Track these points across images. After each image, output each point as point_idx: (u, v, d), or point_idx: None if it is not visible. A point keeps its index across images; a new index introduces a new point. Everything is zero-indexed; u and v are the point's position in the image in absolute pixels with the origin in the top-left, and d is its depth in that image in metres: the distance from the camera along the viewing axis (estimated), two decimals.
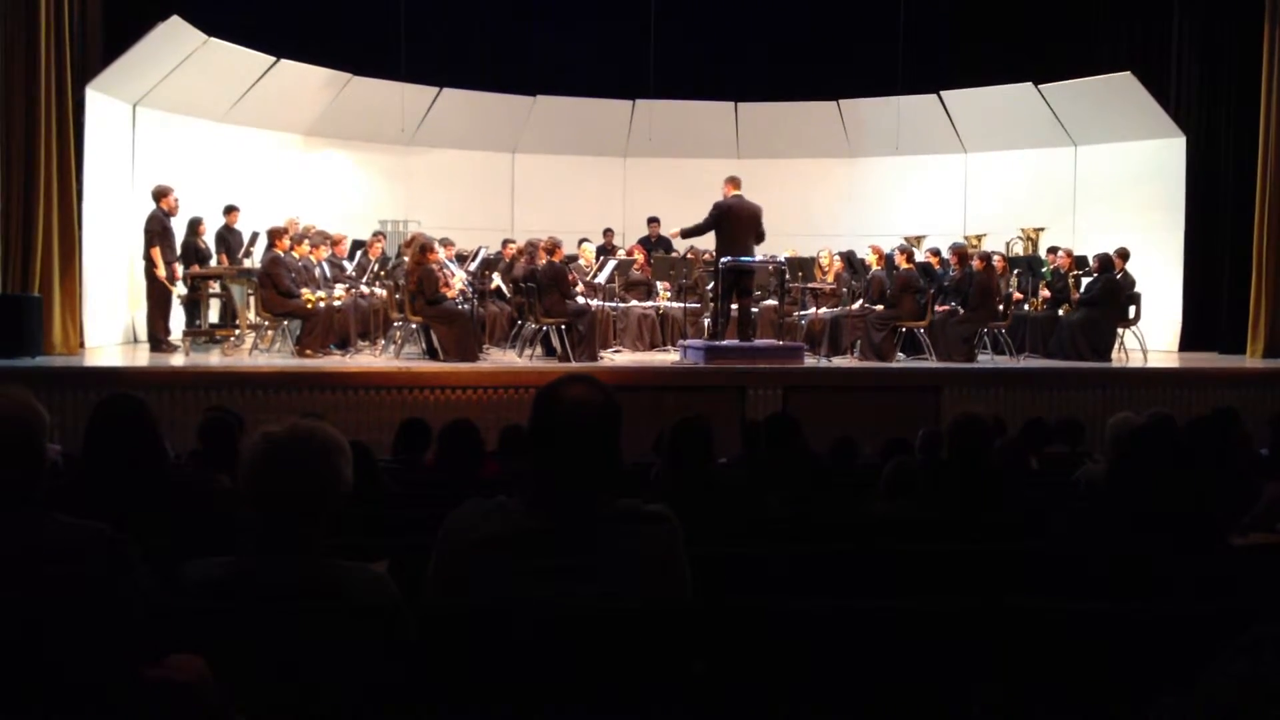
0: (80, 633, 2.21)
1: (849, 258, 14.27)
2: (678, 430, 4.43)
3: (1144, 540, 3.32)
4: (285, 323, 11.70)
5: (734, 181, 11.40)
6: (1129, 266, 13.17)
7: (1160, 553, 3.23)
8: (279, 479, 2.38)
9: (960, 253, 13.01)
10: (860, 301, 13.10)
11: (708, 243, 12.29)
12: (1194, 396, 10.92)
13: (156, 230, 11.50)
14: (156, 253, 11.48)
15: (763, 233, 11.39)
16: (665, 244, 15.46)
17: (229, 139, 14.62)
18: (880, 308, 12.51)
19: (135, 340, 12.90)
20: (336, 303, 12.04)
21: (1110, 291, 12.71)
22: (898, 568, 3.46)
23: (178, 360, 10.95)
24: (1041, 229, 15.38)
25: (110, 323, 12.65)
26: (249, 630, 2.29)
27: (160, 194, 11.65)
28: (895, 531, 4.14)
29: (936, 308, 12.51)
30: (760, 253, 12.09)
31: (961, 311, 12.43)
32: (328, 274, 12.70)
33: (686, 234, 11.83)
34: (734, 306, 11.48)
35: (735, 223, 11.18)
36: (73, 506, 2.73)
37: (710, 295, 12.55)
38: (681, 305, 13.31)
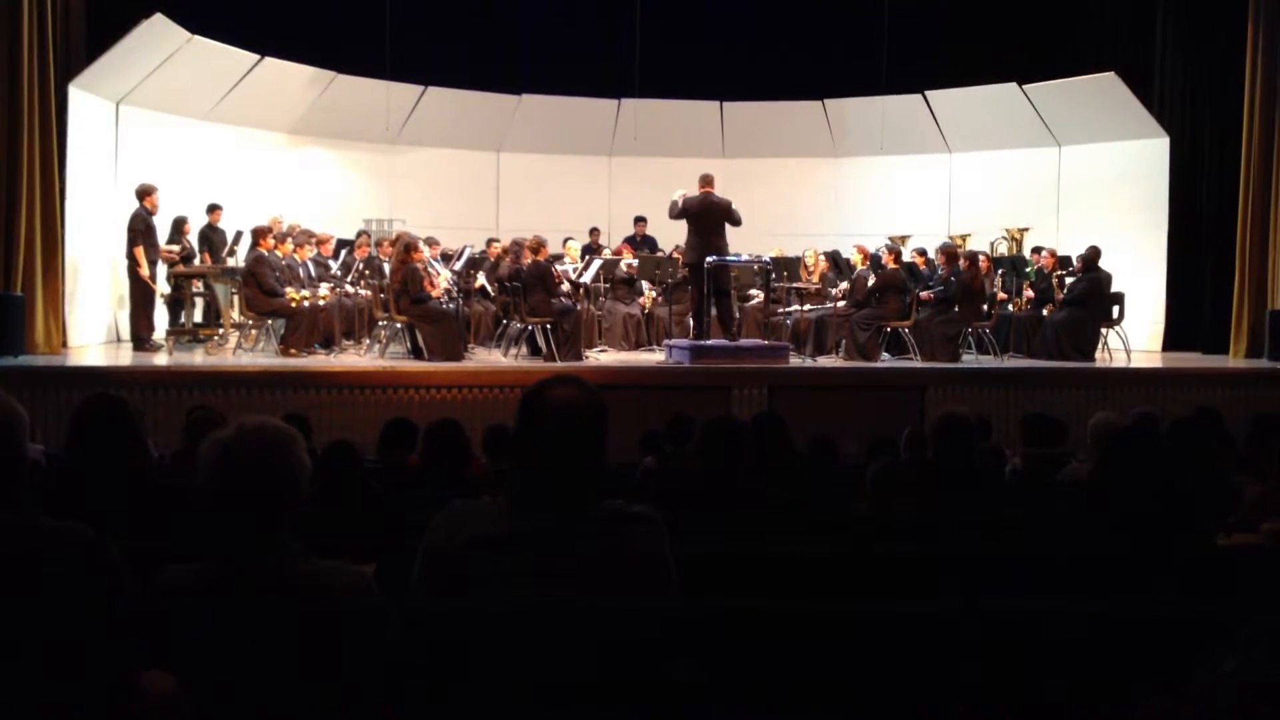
0: (62, 635, 2.19)
1: (834, 257, 14.29)
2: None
3: (1128, 540, 3.32)
4: (269, 322, 11.67)
5: (703, 180, 11.40)
6: (1104, 264, 13.17)
7: (1145, 552, 3.23)
8: (238, 479, 2.37)
9: (949, 253, 13.04)
10: (842, 302, 13.10)
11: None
12: (1177, 396, 10.95)
13: (140, 229, 11.45)
14: (140, 251, 11.43)
15: (737, 218, 11.33)
16: (651, 243, 15.46)
17: (213, 137, 14.56)
18: (865, 310, 12.51)
19: (118, 339, 12.84)
20: (321, 302, 12.01)
21: (1094, 291, 12.75)
22: (882, 568, 3.45)
23: (161, 360, 10.91)
24: (1025, 229, 15.42)
25: (93, 322, 12.60)
26: (229, 633, 2.27)
27: (144, 192, 11.60)
28: (879, 531, 4.14)
29: (923, 296, 12.55)
30: (746, 252, 12.08)
31: (954, 308, 12.43)
32: (312, 273, 12.66)
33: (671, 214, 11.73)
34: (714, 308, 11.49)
35: (700, 220, 11.21)
36: (55, 507, 2.71)
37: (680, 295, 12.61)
38: (667, 305, 13.32)
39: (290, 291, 11.51)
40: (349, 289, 12.72)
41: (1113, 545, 3.29)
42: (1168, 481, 3.35)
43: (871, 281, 12.70)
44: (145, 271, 11.53)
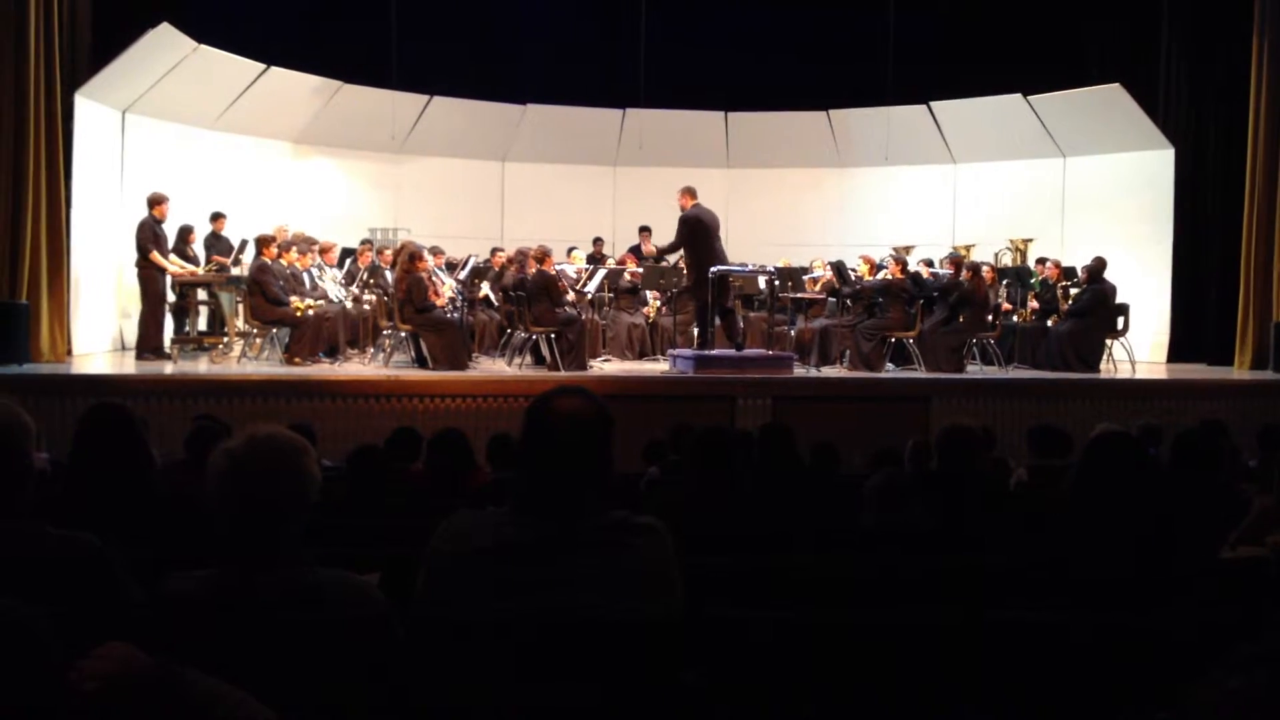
0: (67, 643, 2.19)
1: (838, 267, 14.29)
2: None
3: (1130, 552, 3.31)
4: (274, 330, 11.68)
5: (691, 192, 11.42)
6: (1109, 275, 13.17)
7: (1148, 565, 3.22)
8: (246, 491, 2.37)
9: (957, 262, 13.05)
10: (845, 315, 13.09)
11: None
12: (1182, 407, 10.95)
13: (149, 237, 11.48)
14: (156, 256, 11.50)
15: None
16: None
17: (218, 146, 14.60)
18: (869, 321, 12.50)
19: (123, 348, 12.86)
20: (339, 300, 12.08)
21: (1099, 302, 12.75)
22: (886, 579, 3.45)
23: (166, 368, 10.91)
24: (1030, 240, 15.43)
25: (98, 330, 12.61)
26: (233, 642, 2.27)
27: (155, 201, 11.64)
28: (884, 543, 4.14)
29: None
30: (751, 262, 12.08)
31: (958, 318, 12.43)
32: (317, 280, 12.67)
33: (663, 252, 11.96)
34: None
35: (706, 232, 11.23)
36: (60, 515, 2.71)
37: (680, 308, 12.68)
38: (671, 314, 13.31)
39: (295, 300, 11.53)
40: (354, 291, 12.73)
41: (1109, 559, 3.28)
42: (1140, 494, 3.32)
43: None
44: (177, 269, 11.62)
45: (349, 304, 12.33)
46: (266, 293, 11.26)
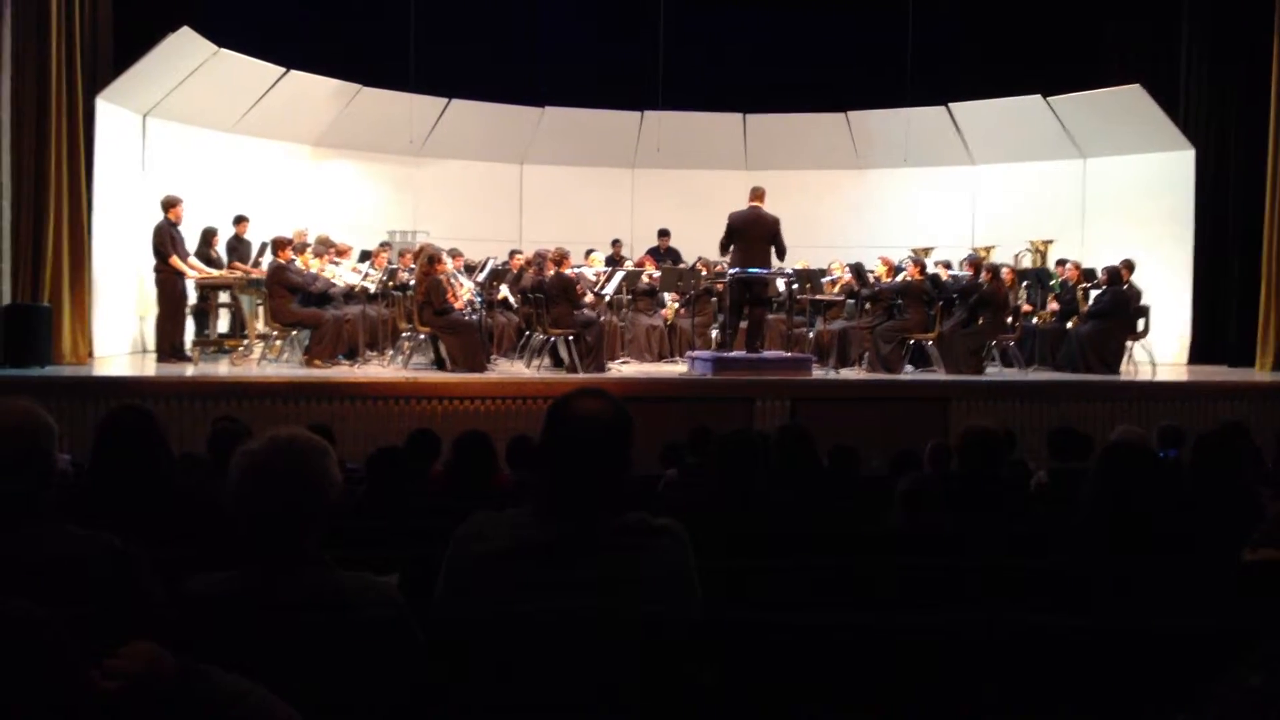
0: (89, 645, 2.20)
1: (857, 269, 14.26)
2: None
3: (1141, 555, 3.30)
4: (294, 333, 11.73)
5: (753, 193, 11.37)
6: (1135, 278, 13.14)
7: (1164, 569, 3.21)
8: (267, 492, 2.37)
9: (977, 264, 13.02)
10: (864, 316, 13.07)
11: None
12: (1203, 410, 10.89)
13: (166, 240, 11.52)
14: (184, 261, 11.56)
15: (781, 245, 11.27)
16: (674, 255, 15.46)
17: (238, 149, 14.66)
18: (888, 322, 12.48)
19: (144, 350, 12.91)
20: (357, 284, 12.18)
21: (1119, 304, 12.71)
22: (905, 582, 3.44)
23: (187, 370, 10.96)
24: (1050, 241, 15.37)
25: (119, 332, 12.67)
26: (254, 643, 2.28)
27: (169, 204, 11.68)
28: (905, 545, 4.13)
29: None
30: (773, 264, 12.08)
31: (978, 320, 12.39)
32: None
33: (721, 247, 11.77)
34: (743, 321, 11.48)
35: (745, 235, 11.18)
36: (82, 517, 2.73)
37: (717, 307, 12.60)
38: (689, 316, 13.31)
39: (330, 271, 11.63)
40: (373, 275, 12.80)
41: (1129, 561, 3.27)
42: (1151, 497, 3.31)
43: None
44: (197, 275, 11.71)
45: (370, 286, 12.41)
46: (289, 284, 11.31)
